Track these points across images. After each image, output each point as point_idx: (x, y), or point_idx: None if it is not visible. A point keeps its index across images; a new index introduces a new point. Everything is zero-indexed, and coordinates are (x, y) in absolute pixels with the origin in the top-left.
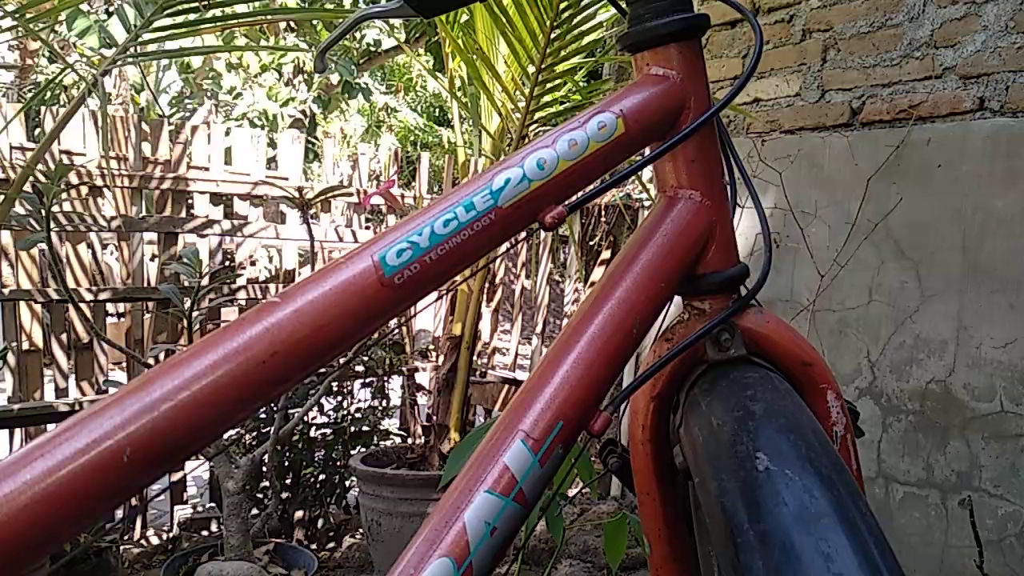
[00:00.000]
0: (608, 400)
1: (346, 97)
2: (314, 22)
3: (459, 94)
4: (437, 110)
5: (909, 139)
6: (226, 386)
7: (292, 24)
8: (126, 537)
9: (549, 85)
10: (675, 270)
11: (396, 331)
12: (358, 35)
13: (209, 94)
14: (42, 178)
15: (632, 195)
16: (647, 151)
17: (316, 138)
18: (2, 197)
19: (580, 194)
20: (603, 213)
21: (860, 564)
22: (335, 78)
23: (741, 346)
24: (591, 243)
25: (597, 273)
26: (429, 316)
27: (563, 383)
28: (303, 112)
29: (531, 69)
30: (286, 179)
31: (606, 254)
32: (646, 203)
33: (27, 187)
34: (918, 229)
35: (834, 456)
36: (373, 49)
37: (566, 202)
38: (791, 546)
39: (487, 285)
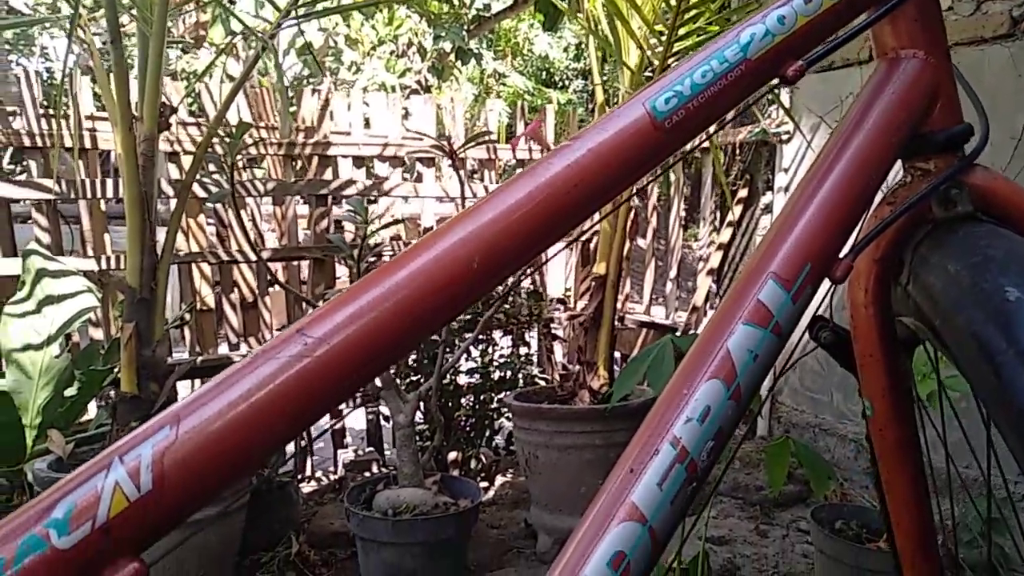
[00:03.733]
0: (847, 251)
1: (459, 64)
2: None
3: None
4: (544, 73)
5: None
6: (542, 210)
7: None
8: (299, 477)
9: (687, 16)
10: (904, 128)
11: (533, 277)
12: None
13: (329, 72)
14: (205, 151)
15: (769, 130)
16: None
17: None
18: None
19: (817, 49)
20: (738, 151)
21: None
22: (448, 45)
23: (968, 203)
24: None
25: (734, 213)
26: (560, 266)
27: (808, 228)
28: (418, 82)
29: (672, 1)
30: (421, 139)
31: (743, 192)
32: (784, 137)
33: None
34: None
35: None
36: (483, 14)
37: (804, 57)
38: None
39: (628, 224)
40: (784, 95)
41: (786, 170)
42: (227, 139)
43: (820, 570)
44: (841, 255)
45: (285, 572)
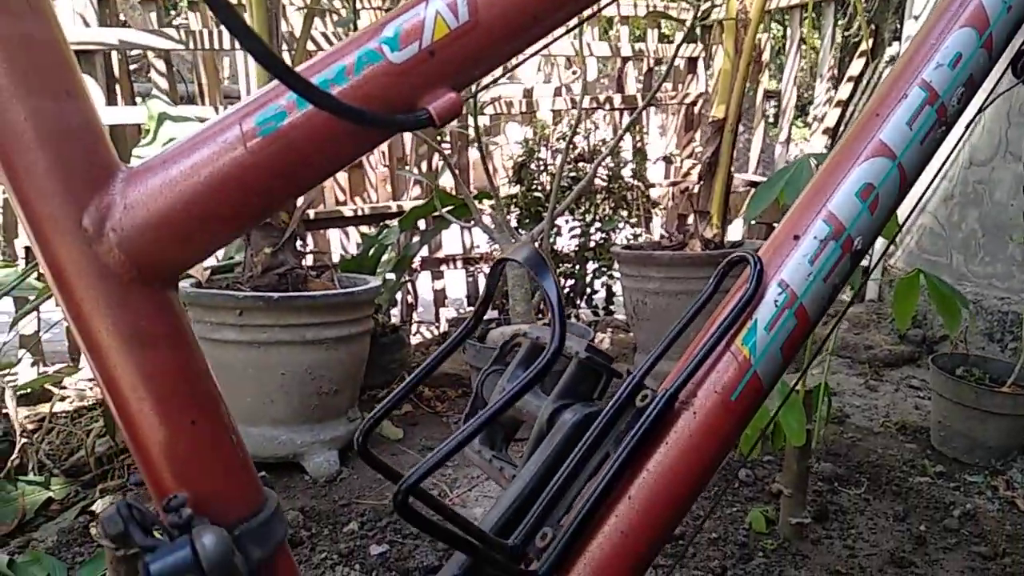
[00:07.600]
0: None
1: None
2: None
3: None
4: None
5: None
6: None
7: None
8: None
9: None
10: None
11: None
12: None
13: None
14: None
15: None
16: None
17: None
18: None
19: None
20: None
21: None
22: None
23: None
24: (847, 35)
25: (855, 67)
26: (657, 137)
27: None
28: None
29: None
30: None
31: (865, 45)
32: None
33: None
34: None
35: None
36: None
37: None
38: None
39: (752, 64)
40: None
41: (916, 17)
42: None
43: (937, 413)
44: None
45: (401, 404)
